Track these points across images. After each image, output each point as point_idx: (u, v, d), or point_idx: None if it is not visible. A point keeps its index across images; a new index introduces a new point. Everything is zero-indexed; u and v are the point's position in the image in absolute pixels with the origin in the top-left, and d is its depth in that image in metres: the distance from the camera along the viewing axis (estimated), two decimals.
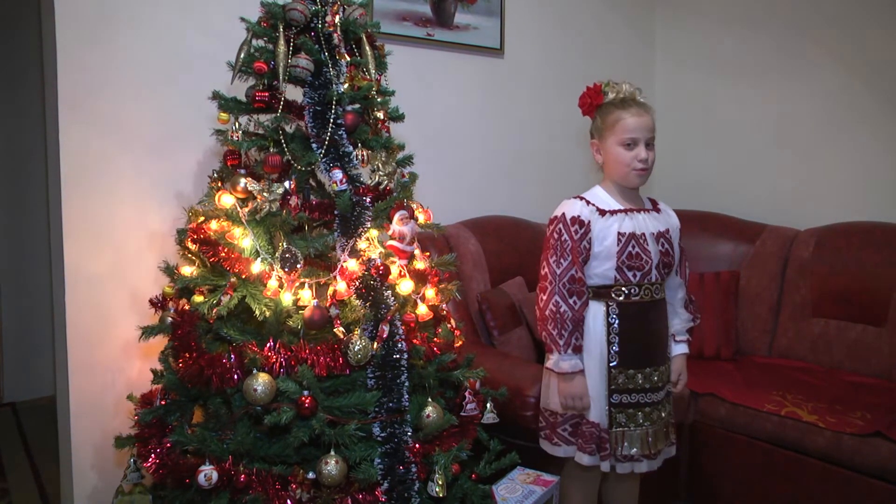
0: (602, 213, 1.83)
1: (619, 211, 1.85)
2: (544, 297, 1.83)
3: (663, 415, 1.89)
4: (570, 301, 1.80)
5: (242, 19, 1.80)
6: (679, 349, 1.97)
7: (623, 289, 1.83)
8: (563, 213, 1.84)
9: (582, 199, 1.86)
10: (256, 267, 1.65)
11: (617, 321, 1.83)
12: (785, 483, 2.21)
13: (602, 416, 1.83)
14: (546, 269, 1.83)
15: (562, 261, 1.81)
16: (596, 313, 1.85)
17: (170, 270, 1.83)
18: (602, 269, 1.83)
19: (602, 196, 1.88)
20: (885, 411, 2.13)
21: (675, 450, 1.96)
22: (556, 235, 1.83)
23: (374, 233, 1.74)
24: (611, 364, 1.83)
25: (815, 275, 2.75)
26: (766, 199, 3.25)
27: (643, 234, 1.83)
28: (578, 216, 1.82)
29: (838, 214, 2.90)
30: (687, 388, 2.03)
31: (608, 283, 1.83)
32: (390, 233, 1.76)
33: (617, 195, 1.88)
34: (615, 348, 1.83)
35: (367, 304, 1.67)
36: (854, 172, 2.97)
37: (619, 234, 1.80)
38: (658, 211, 1.93)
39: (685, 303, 1.99)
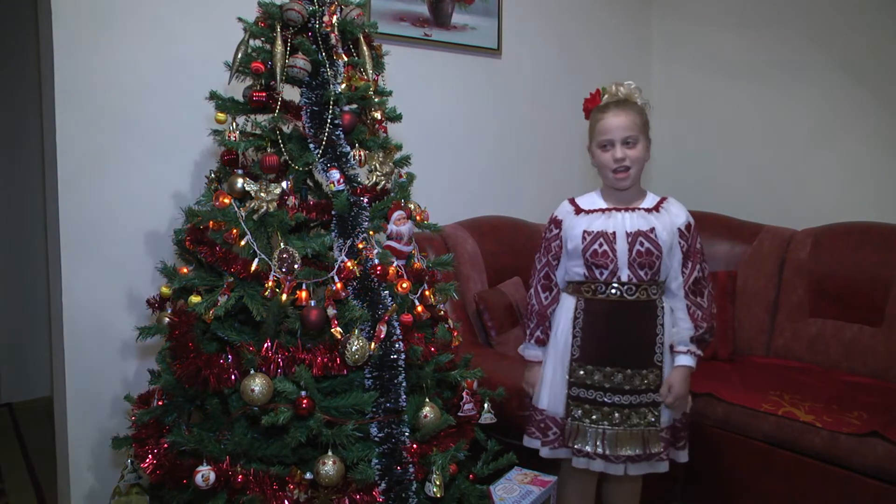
0: (578, 212, 1.91)
1: (598, 210, 1.89)
2: (530, 290, 2.01)
3: (635, 421, 1.83)
4: (543, 296, 1.97)
5: (240, 19, 1.80)
6: (676, 361, 1.87)
7: (591, 285, 1.87)
8: (553, 213, 1.98)
9: (572, 200, 1.96)
10: (254, 267, 1.64)
11: (581, 316, 1.87)
12: (782, 483, 2.21)
13: (559, 406, 1.90)
14: (535, 265, 2.01)
15: (542, 257, 1.98)
16: (568, 307, 1.91)
17: (167, 271, 1.83)
18: (573, 265, 1.90)
19: (593, 197, 1.94)
20: (882, 411, 2.13)
21: (668, 466, 1.90)
22: (544, 234, 1.99)
23: (371, 233, 1.74)
24: (573, 356, 1.88)
25: (813, 275, 2.75)
26: (763, 199, 3.26)
27: (613, 232, 1.83)
28: (556, 216, 1.96)
29: (835, 215, 2.90)
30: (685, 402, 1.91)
31: (580, 279, 1.89)
32: (388, 233, 1.76)
33: (610, 196, 1.91)
34: (578, 342, 1.87)
35: (365, 305, 1.67)
36: (851, 173, 2.98)
37: (584, 232, 1.86)
38: (657, 210, 1.88)
39: (688, 310, 1.88)
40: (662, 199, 1.92)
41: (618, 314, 1.85)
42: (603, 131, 1.84)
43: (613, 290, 1.84)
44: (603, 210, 1.88)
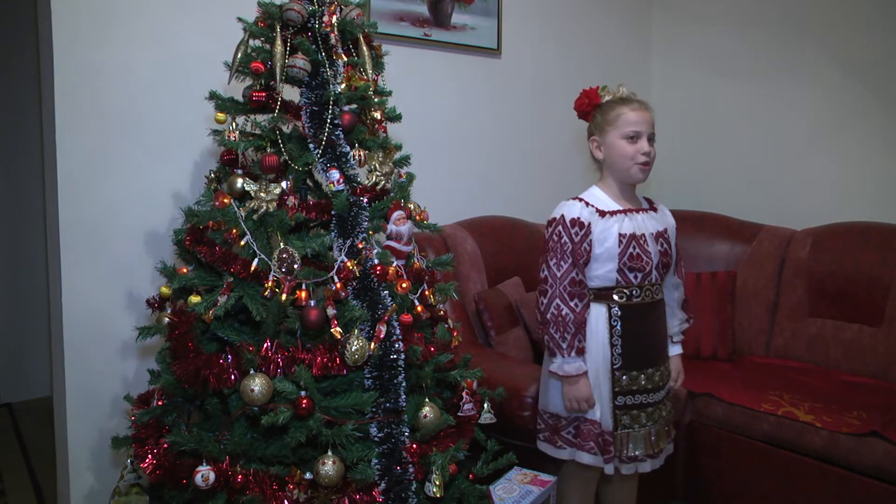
0: (602, 214, 1.82)
1: (619, 212, 1.84)
2: (545, 301, 1.81)
3: (664, 413, 1.90)
4: (572, 304, 1.78)
5: (239, 19, 1.80)
6: (675, 349, 2.01)
7: (625, 290, 1.82)
8: (563, 215, 1.82)
9: (581, 200, 1.85)
10: (253, 267, 1.64)
11: (619, 323, 1.82)
12: (781, 483, 2.21)
13: (606, 419, 1.83)
14: (546, 272, 1.81)
15: (562, 263, 1.79)
16: (598, 316, 1.83)
17: (167, 271, 1.83)
18: (603, 270, 1.81)
19: (601, 197, 1.87)
20: (882, 411, 2.14)
21: (673, 447, 1.98)
22: (555, 238, 1.81)
23: (371, 233, 1.74)
24: (614, 366, 1.83)
25: (812, 275, 2.76)
26: (762, 199, 3.26)
27: (643, 234, 1.83)
28: (578, 218, 1.81)
29: (835, 215, 2.91)
30: (684, 387, 2.04)
31: (609, 284, 1.82)
32: (387, 233, 1.76)
33: (615, 195, 1.88)
34: (618, 350, 1.83)
35: (365, 305, 1.67)
36: (851, 173, 2.98)
37: (619, 235, 1.79)
38: (655, 210, 1.93)
39: (682, 303, 2.01)
40: (648, 200, 1.97)
41: (652, 315, 1.88)
42: (630, 122, 1.81)
43: (647, 293, 1.84)
44: (623, 211, 1.85)
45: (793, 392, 2.33)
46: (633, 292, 1.83)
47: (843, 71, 2.98)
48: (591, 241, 1.80)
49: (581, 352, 1.79)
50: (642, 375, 1.84)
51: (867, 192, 2.93)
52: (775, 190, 3.22)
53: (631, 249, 1.80)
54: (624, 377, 1.83)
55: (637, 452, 1.84)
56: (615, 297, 1.82)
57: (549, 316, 1.79)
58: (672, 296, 1.98)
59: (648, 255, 1.81)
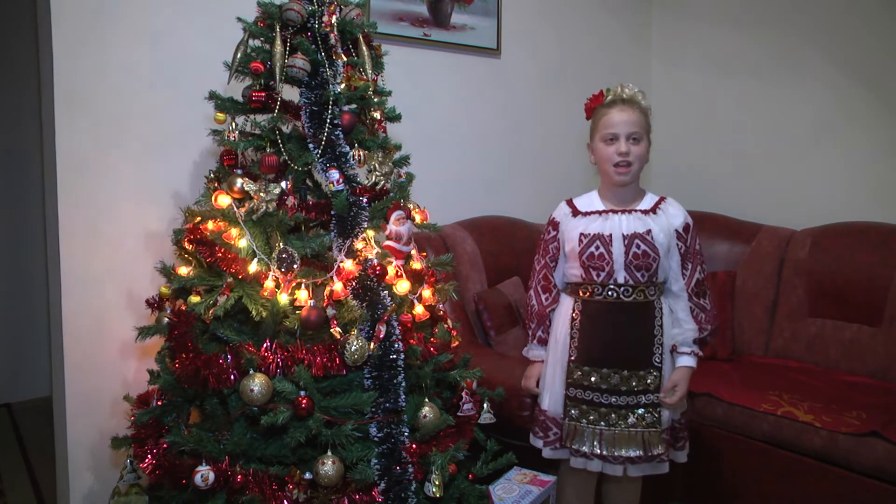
0: (575, 214, 1.91)
1: (595, 212, 1.88)
2: (529, 292, 2.02)
3: (631, 420, 1.83)
4: (543, 297, 1.97)
5: (239, 19, 1.80)
6: (680, 361, 1.87)
7: (588, 286, 1.87)
8: (551, 215, 1.98)
9: (569, 201, 1.96)
10: (253, 267, 1.64)
11: (579, 318, 1.88)
12: (781, 483, 2.21)
13: (557, 405, 1.91)
14: (534, 267, 2.02)
15: (540, 259, 1.99)
16: (567, 308, 1.92)
17: (166, 271, 1.83)
18: (571, 267, 1.91)
19: (591, 199, 1.93)
20: (881, 411, 2.14)
21: (668, 467, 1.92)
22: (543, 236, 2.00)
23: (370, 233, 1.74)
24: (570, 357, 1.88)
25: (812, 275, 2.76)
26: (762, 199, 3.26)
27: (609, 235, 1.84)
28: (554, 218, 1.97)
29: (834, 215, 2.90)
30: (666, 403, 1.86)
31: (577, 280, 1.90)
32: (387, 233, 1.76)
33: (608, 197, 1.91)
34: (575, 343, 1.88)
35: (364, 305, 1.67)
36: (850, 173, 2.98)
37: (581, 234, 1.86)
38: (654, 211, 1.88)
39: (691, 311, 1.88)
40: (661, 200, 1.91)
41: (615, 316, 1.85)
42: (608, 125, 1.84)
43: (610, 292, 1.84)
44: (600, 212, 1.88)
45: (792, 392, 2.33)
46: (595, 290, 1.86)
47: (843, 71, 2.98)
48: (560, 239, 1.93)
49: (542, 342, 1.98)
50: (596, 374, 1.84)
51: (866, 192, 2.93)
52: (775, 190, 3.22)
53: (592, 249, 1.84)
54: (577, 371, 1.87)
55: (583, 448, 1.84)
56: (581, 293, 1.89)
57: (528, 306, 2.02)
58: (676, 304, 1.89)
59: (611, 254, 1.82)
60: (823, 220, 2.90)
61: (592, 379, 1.85)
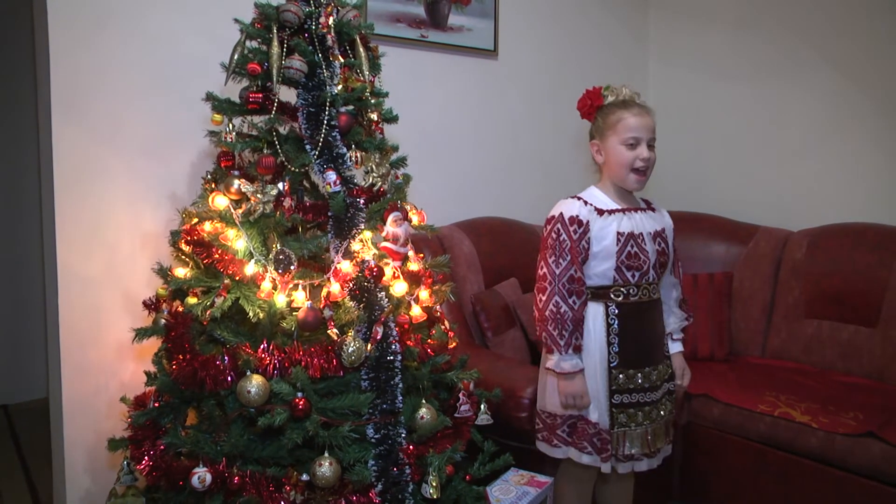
0: (600, 212, 1.83)
1: (617, 210, 1.85)
2: (543, 298, 1.80)
3: (662, 413, 1.89)
4: (570, 301, 1.79)
5: (236, 20, 1.79)
6: (676, 347, 2.00)
7: (622, 289, 1.83)
8: (561, 213, 1.83)
9: (579, 198, 1.86)
10: (250, 268, 1.64)
11: (616, 321, 1.83)
12: (778, 483, 2.21)
13: (603, 417, 1.83)
14: (545, 270, 1.81)
15: (560, 261, 1.79)
16: (595, 314, 1.84)
17: (163, 272, 1.83)
18: (601, 268, 1.82)
19: (599, 196, 1.87)
20: (877, 412, 2.14)
21: (672, 448, 1.97)
22: (553, 235, 1.82)
23: (367, 234, 1.74)
24: (611, 364, 1.83)
25: (808, 276, 2.76)
26: (759, 200, 3.26)
27: (641, 233, 1.83)
28: (577, 216, 1.81)
29: (831, 216, 2.91)
30: (683, 387, 2.03)
31: (607, 283, 1.83)
32: (384, 234, 1.76)
33: (613, 195, 1.88)
34: (615, 349, 1.83)
35: (361, 306, 1.67)
36: (847, 174, 2.99)
37: (618, 233, 1.80)
38: (653, 210, 1.94)
39: (679, 302, 2.01)
40: (646, 201, 1.98)
41: (648, 314, 1.88)
42: (630, 128, 1.81)
43: (644, 292, 1.85)
44: (622, 210, 1.85)
45: (789, 393, 2.33)
46: (631, 291, 1.83)
47: (840, 72, 2.99)
48: (589, 238, 1.81)
49: (578, 349, 1.80)
50: (639, 374, 1.84)
51: (863, 193, 2.93)
52: (772, 191, 3.23)
53: (629, 248, 1.81)
54: (621, 376, 1.83)
55: (633, 451, 1.84)
56: (612, 296, 1.83)
57: (547, 313, 1.79)
58: (670, 295, 1.98)
59: (646, 253, 1.82)
60: (820, 221, 2.91)
61: (639, 380, 1.84)
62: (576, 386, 1.80)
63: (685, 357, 2.03)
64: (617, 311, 1.83)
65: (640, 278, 1.83)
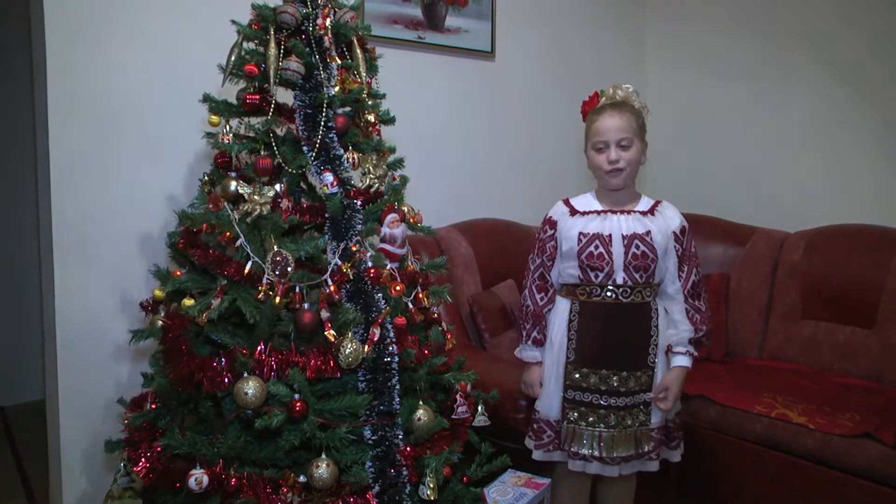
0: (573, 213, 1.89)
1: (594, 212, 1.88)
2: (524, 292, 1.99)
3: (630, 422, 1.84)
4: (538, 296, 1.95)
5: (233, 22, 1.79)
6: (675, 361, 1.88)
7: (586, 288, 1.86)
8: (547, 214, 1.96)
9: (566, 201, 1.95)
10: (247, 270, 1.64)
11: (577, 319, 1.87)
12: (775, 484, 2.21)
13: (554, 408, 1.90)
14: (528, 266, 1.99)
15: (535, 258, 1.97)
16: (563, 310, 1.91)
17: (160, 274, 1.82)
18: (569, 267, 1.89)
19: (587, 198, 1.93)
20: (874, 412, 2.14)
21: (658, 466, 1.92)
22: (536, 235, 1.98)
23: (365, 236, 1.74)
24: (568, 359, 1.87)
25: (805, 277, 2.76)
26: (756, 201, 3.27)
27: (609, 235, 1.83)
28: (551, 217, 1.94)
29: (828, 217, 2.91)
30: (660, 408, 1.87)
31: (574, 281, 1.88)
32: (381, 236, 1.76)
33: (604, 198, 1.91)
34: (573, 345, 1.87)
35: (358, 308, 1.67)
36: (844, 175, 2.99)
37: (580, 234, 1.85)
38: (652, 213, 1.89)
39: (686, 313, 1.89)
40: (657, 203, 1.93)
41: (613, 317, 1.85)
42: (598, 133, 1.84)
43: (609, 293, 1.84)
44: (598, 212, 1.88)
45: (786, 394, 2.33)
46: (594, 291, 1.85)
47: (837, 73, 3.00)
48: (557, 238, 1.91)
49: (538, 342, 1.95)
50: (594, 375, 1.84)
51: (860, 194, 2.94)
52: (769, 192, 3.23)
53: (591, 248, 1.83)
54: (575, 373, 1.86)
55: (582, 451, 1.84)
56: (578, 294, 1.88)
57: (523, 306, 1.99)
58: (671, 305, 1.90)
59: (610, 254, 1.82)
60: (817, 223, 2.91)
61: (591, 380, 1.85)
62: (530, 376, 1.98)
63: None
64: (578, 310, 1.88)
65: (605, 279, 1.83)
